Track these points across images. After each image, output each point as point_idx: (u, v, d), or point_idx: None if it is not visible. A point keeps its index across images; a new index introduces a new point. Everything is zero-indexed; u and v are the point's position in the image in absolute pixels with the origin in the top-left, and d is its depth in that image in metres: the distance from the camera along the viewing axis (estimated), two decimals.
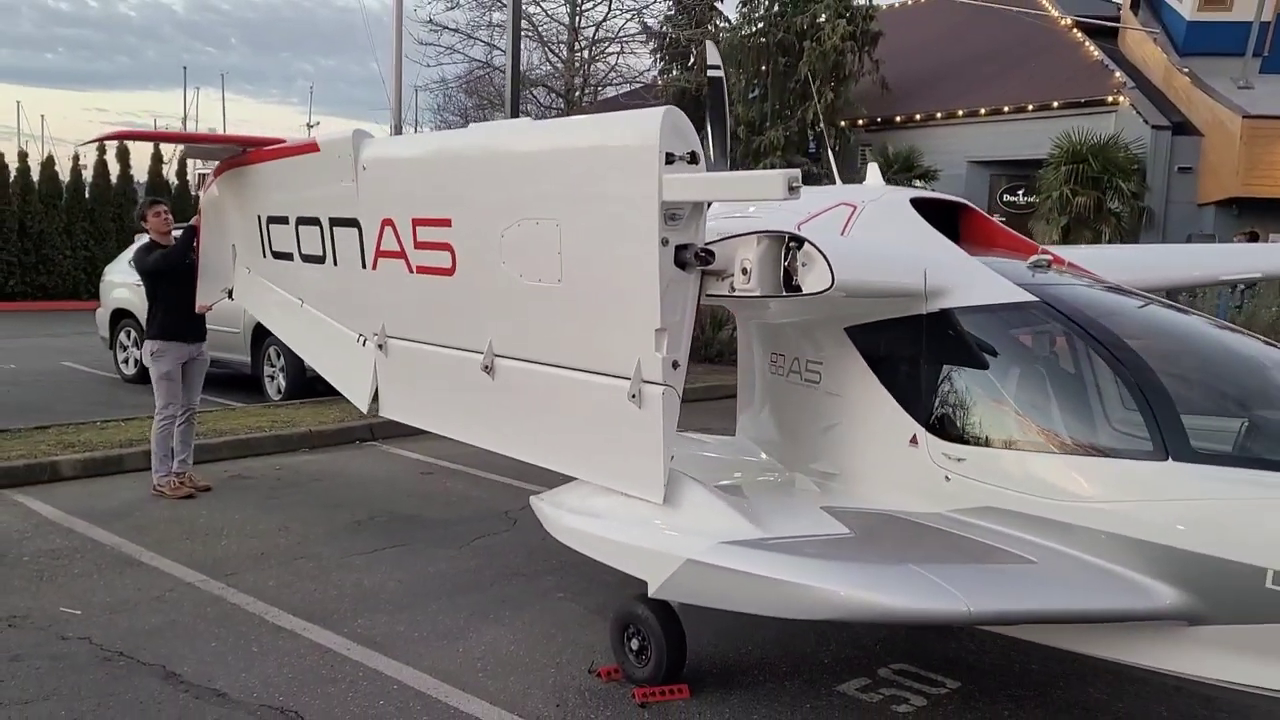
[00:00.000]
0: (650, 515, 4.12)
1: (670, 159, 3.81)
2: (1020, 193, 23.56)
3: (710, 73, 5.42)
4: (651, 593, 4.05)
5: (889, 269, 4.13)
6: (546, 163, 4.46)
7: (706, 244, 4.05)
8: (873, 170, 5.16)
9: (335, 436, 9.23)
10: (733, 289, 4.04)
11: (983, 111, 24.42)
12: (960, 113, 24.92)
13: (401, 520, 7.01)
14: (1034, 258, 4.18)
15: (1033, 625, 3.56)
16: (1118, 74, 22.70)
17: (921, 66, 28.39)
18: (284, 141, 6.27)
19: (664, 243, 3.89)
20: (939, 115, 25.42)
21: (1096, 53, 24.14)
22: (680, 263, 3.96)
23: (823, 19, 25.19)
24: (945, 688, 4.56)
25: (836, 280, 3.77)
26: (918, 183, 24.62)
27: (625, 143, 4.06)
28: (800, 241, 3.87)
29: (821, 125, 25.99)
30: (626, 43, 25.27)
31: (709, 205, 4.08)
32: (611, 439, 4.27)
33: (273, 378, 10.99)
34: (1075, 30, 25.38)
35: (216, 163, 6.79)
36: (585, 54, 24.36)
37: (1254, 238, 19.06)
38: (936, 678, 4.64)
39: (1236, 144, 18.32)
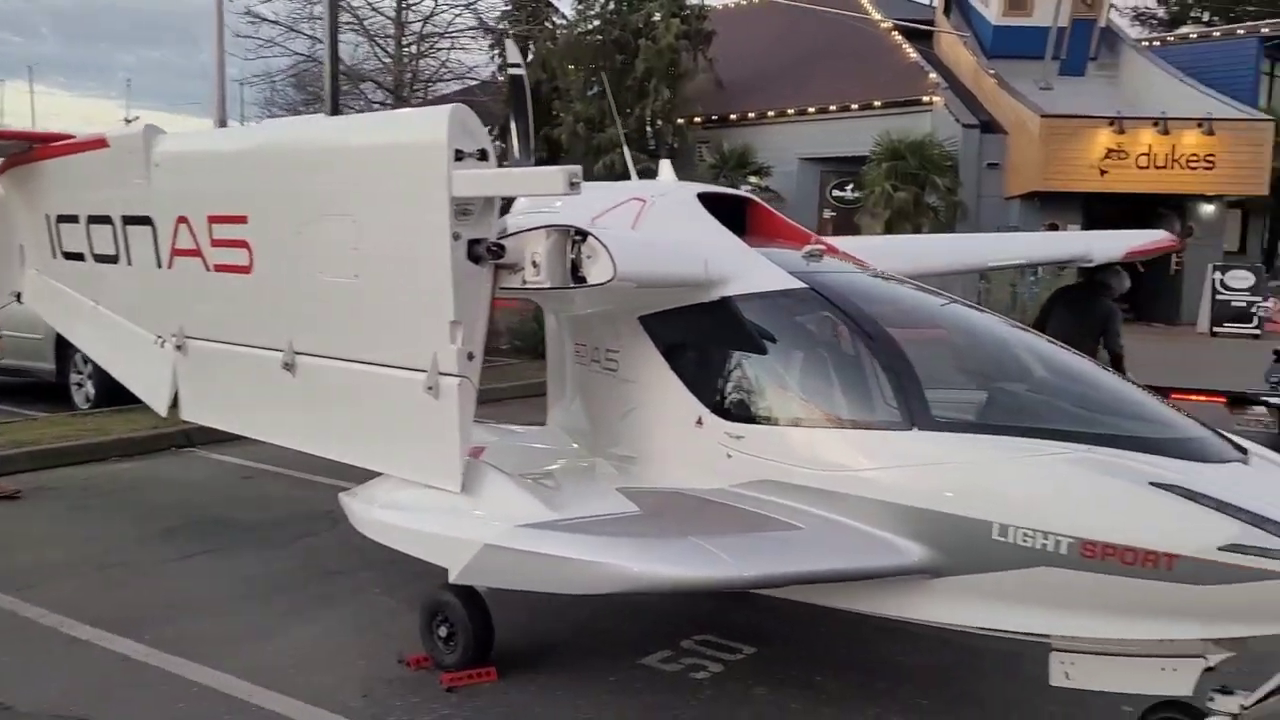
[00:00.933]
0: (450, 504, 4.23)
1: (460, 155, 3.93)
2: (849, 188, 24.61)
3: (511, 70, 5.55)
4: (452, 579, 4.16)
5: (672, 260, 4.37)
6: (340, 159, 4.51)
7: (501, 238, 4.19)
8: (664, 167, 5.42)
9: (150, 443, 8.91)
10: (525, 282, 4.19)
11: (811, 110, 25.41)
12: (790, 111, 25.86)
13: (218, 524, 6.86)
14: (807, 248, 4.49)
15: (800, 586, 3.85)
16: (932, 75, 24.03)
17: (754, 66, 29.26)
18: (73, 138, 6.06)
19: (455, 237, 4.01)
20: (770, 114, 26.29)
21: (913, 54, 25.46)
22: (473, 257, 4.08)
23: (657, 17, 25.63)
24: (742, 653, 4.83)
25: (619, 271, 3.97)
26: (752, 179, 25.43)
27: (415, 139, 4.16)
28: (585, 235, 4.06)
29: (659, 122, 26.60)
30: (457, 37, 24.97)
31: (503, 201, 4.22)
32: (410, 431, 4.36)
33: (80, 385, 10.48)
34: (894, 32, 26.68)
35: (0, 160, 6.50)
36: (414, 49, 23.95)
37: (1054, 228, 20.55)
38: (735, 645, 4.91)
39: (1036, 141, 19.70)
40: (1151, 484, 3.35)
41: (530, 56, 28.30)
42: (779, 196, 25.42)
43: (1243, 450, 3.71)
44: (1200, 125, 19.35)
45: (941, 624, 3.79)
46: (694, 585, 3.70)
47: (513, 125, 5.33)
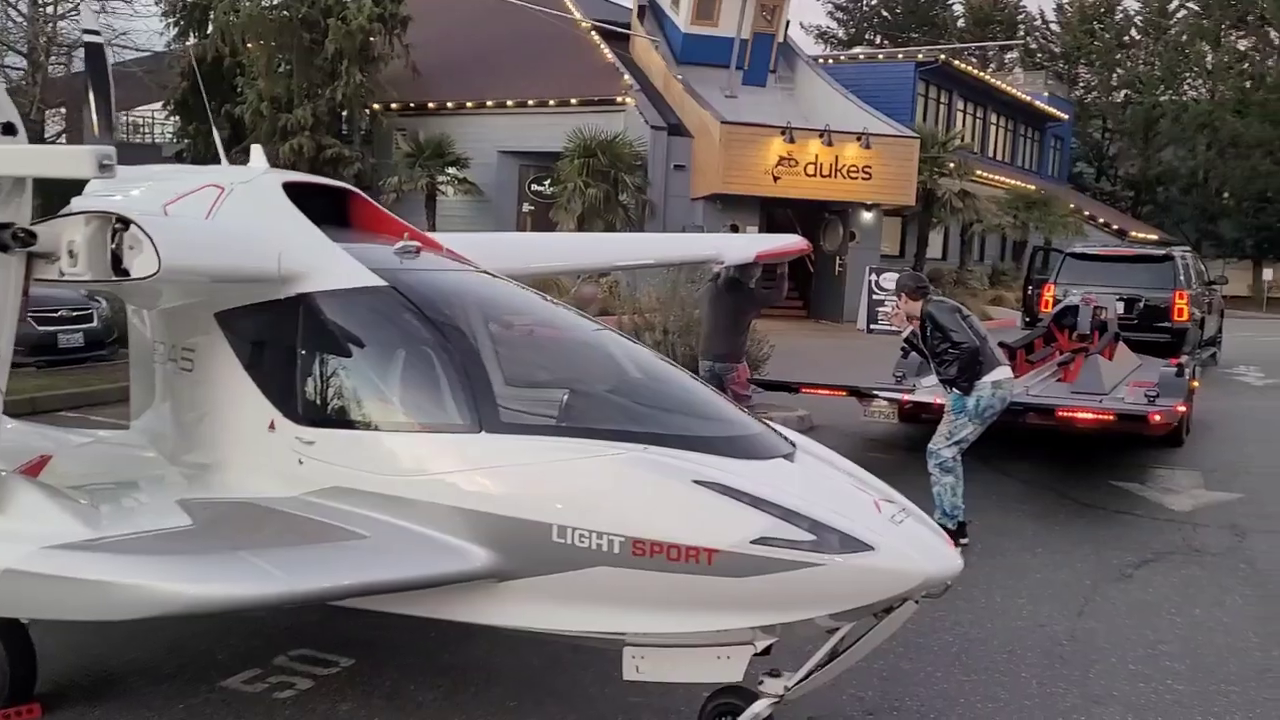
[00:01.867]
0: None
1: None
2: (547, 183, 24.79)
3: (87, 38, 4.98)
4: None
5: (239, 253, 4.06)
6: None
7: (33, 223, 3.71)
8: (255, 153, 5.08)
9: None
10: (62, 274, 3.74)
11: (510, 103, 25.38)
12: (489, 103, 25.70)
13: None
14: (400, 244, 4.32)
15: (368, 597, 3.69)
16: (626, 76, 24.67)
17: (454, 54, 28.82)
18: None
19: None
20: (469, 104, 26.00)
21: (610, 55, 26.04)
22: None
23: None
24: (338, 667, 4.61)
25: (164, 264, 3.62)
26: (450, 170, 25.05)
27: None
28: (128, 223, 3.67)
29: (351, 106, 25.57)
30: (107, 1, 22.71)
31: (31, 181, 3.74)
32: None
33: None
34: (593, 33, 27.17)
35: None
36: (52, 9, 21.51)
37: (735, 229, 21.72)
38: (332, 658, 4.68)
39: (717, 146, 20.73)
40: (695, 482, 3.46)
41: (211, 28, 26.41)
42: (478, 189, 25.26)
43: (792, 445, 3.93)
44: (859, 139, 21.13)
45: (513, 628, 3.75)
46: (240, 604, 3.43)
47: (91, 100, 4.77)
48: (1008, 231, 31.35)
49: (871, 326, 20.71)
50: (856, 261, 21.89)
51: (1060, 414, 8.04)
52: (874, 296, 20.83)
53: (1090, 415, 8.00)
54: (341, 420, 3.98)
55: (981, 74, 36.27)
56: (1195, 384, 11.61)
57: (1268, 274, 44.13)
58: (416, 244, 4.41)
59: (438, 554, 3.58)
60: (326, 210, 4.70)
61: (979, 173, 31.19)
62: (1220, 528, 7.23)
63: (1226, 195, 46.34)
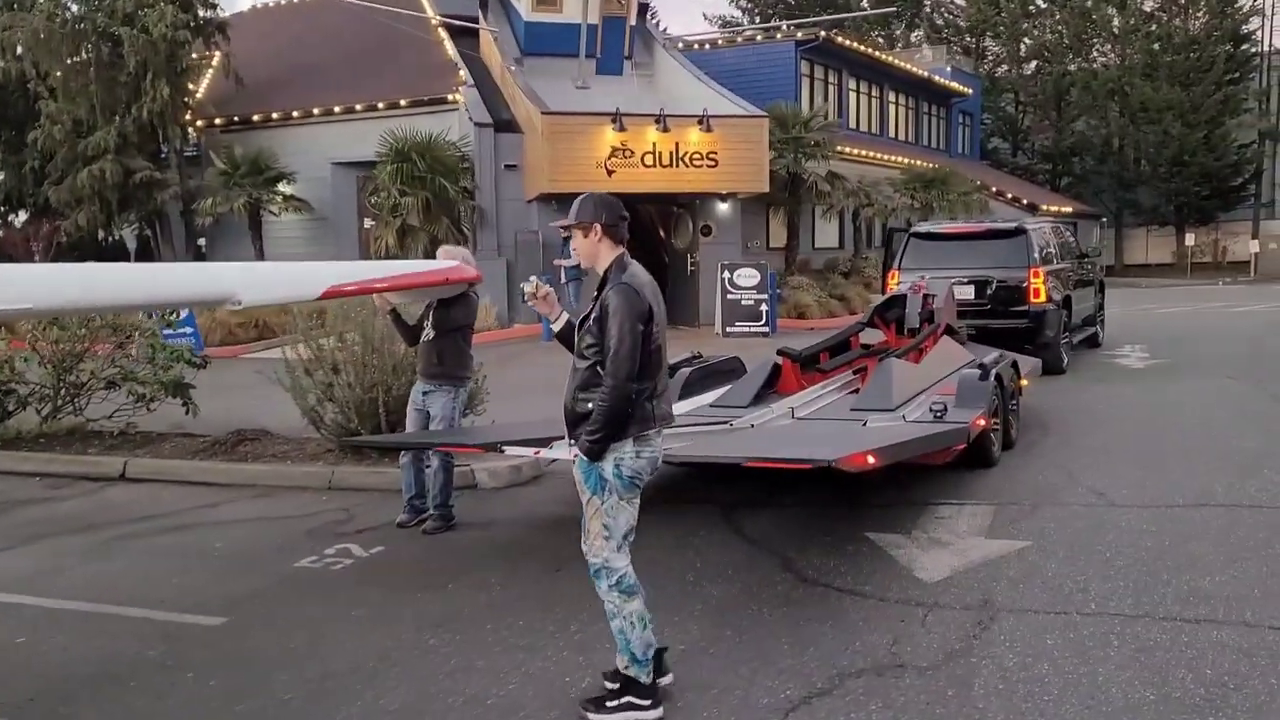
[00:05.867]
0: None
1: None
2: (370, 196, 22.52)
3: None
4: None
5: None
6: None
7: None
8: None
9: None
10: None
11: (337, 110, 23.11)
12: (316, 111, 23.40)
13: None
14: None
15: None
16: (462, 72, 22.49)
17: (284, 64, 26.52)
18: None
19: None
20: (295, 114, 23.68)
21: (451, 52, 23.85)
22: None
23: (150, 4, 22.14)
24: None
25: None
26: (282, 187, 22.68)
27: None
28: None
29: (165, 125, 23.15)
30: None
31: None
32: None
33: None
34: (440, 29, 24.93)
35: None
36: None
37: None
38: None
39: (542, 141, 18.54)
40: None
41: (20, 50, 23.83)
42: (308, 206, 22.95)
43: None
44: (700, 123, 19.02)
45: None
46: None
47: None
48: (906, 214, 29.50)
49: (728, 330, 18.66)
50: (712, 259, 19.77)
51: (749, 465, 5.91)
52: (729, 295, 18.76)
53: (764, 464, 5.86)
54: None
55: (871, 50, 34.40)
56: (1022, 383, 9.63)
57: (1190, 239, 42.79)
58: None
59: None
60: None
61: (870, 153, 29.37)
62: (965, 609, 5.16)
63: (1142, 162, 44.93)
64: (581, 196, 4.34)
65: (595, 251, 4.26)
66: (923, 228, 14.46)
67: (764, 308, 18.63)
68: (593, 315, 4.18)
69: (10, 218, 26.74)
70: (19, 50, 23.22)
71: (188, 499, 7.83)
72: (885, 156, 30.48)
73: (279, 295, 6.24)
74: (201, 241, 25.70)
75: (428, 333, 6.90)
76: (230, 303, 5.03)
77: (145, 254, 25.60)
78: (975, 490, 7.50)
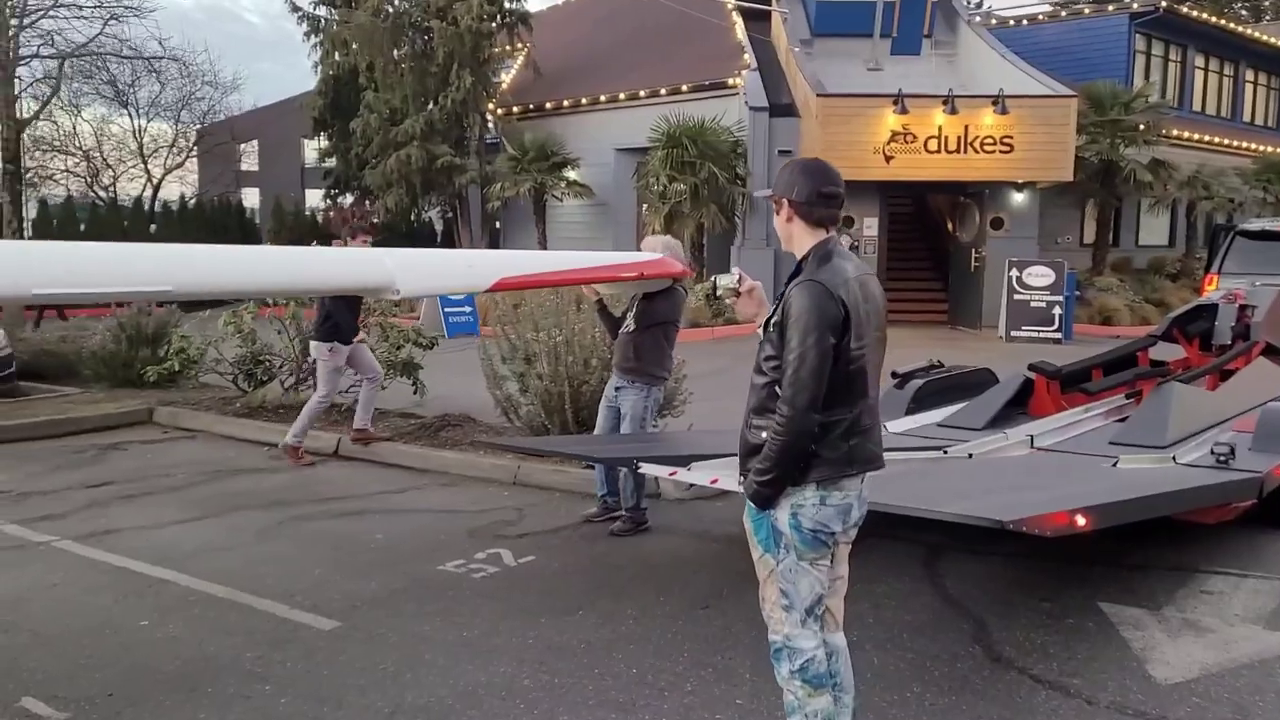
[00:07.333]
0: None
1: None
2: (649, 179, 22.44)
3: None
4: None
5: None
6: None
7: None
8: None
9: None
10: None
11: (622, 96, 23.28)
12: (603, 98, 23.72)
13: None
14: None
15: None
16: (746, 56, 21.89)
17: (579, 53, 27.17)
18: None
19: None
20: (584, 101, 24.13)
21: (740, 35, 23.31)
22: None
23: None
24: None
25: None
26: (569, 173, 23.27)
27: None
28: None
29: (466, 112, 24.37)
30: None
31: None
32: None
33: None
34: (733, 13, 24.49)
35: None
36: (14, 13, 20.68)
37: (850, 222, 18.40)
38: None
39: (816, 125, 17.49)
40: None
41: (354, 45, 26.05)
42: (589, 191, 23.33)
43: None
44: (994, 104, 17.14)
45: None
46: None
47: None
48: (1257, 210, 25.46)
49: (1013, 333, 16.76)
50: (1001, 254, 17.83)
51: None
52: (1016, 296, 16.85)
53: (921, 514, 4.53)
54: None
55: (1223, 21, 30.00)
56: None
57: None
58: None
59: None
60: None
61: (1214, 139, 25.63)
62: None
63: None
64: (785, 163, 3.54)
65: (789, 233, 3.40)
66: (1253, 225, 12.06)
67: (1057, 311, 16.57)
68: (773, 318, 3.31)
69: (339, 200, 29.38)
70: (353, 46, 25.30)
71: (380, 482, 7.80)
72: (1234, 143, 26.52)
73: (442, 285, 5.94)
74: (497, 224, 26.97)
75: (628, 324, 6.43)
76: (389, 292, 4.71)
77: (449, 236, 27.29)
78: (1268, 561, 5.89)
